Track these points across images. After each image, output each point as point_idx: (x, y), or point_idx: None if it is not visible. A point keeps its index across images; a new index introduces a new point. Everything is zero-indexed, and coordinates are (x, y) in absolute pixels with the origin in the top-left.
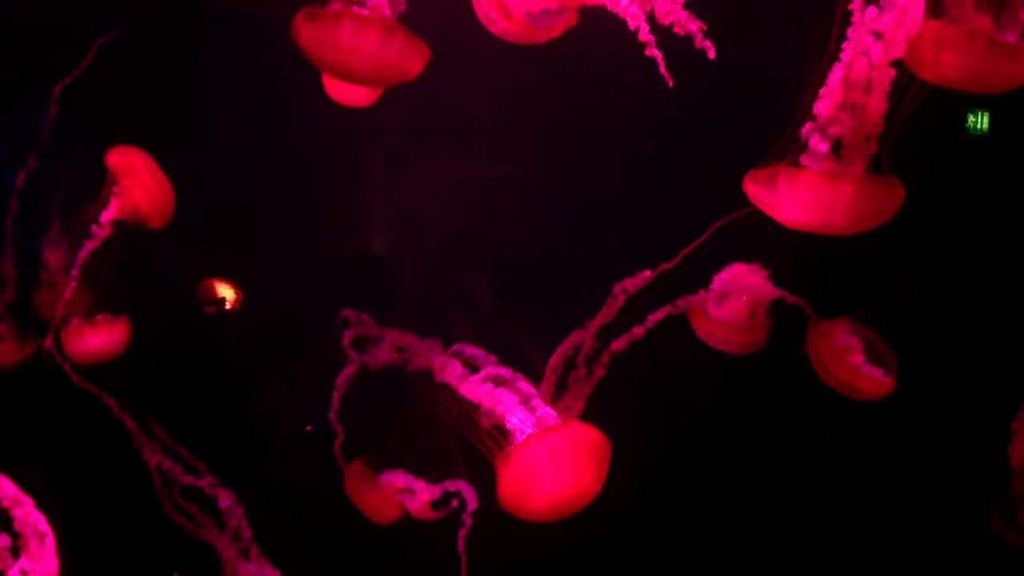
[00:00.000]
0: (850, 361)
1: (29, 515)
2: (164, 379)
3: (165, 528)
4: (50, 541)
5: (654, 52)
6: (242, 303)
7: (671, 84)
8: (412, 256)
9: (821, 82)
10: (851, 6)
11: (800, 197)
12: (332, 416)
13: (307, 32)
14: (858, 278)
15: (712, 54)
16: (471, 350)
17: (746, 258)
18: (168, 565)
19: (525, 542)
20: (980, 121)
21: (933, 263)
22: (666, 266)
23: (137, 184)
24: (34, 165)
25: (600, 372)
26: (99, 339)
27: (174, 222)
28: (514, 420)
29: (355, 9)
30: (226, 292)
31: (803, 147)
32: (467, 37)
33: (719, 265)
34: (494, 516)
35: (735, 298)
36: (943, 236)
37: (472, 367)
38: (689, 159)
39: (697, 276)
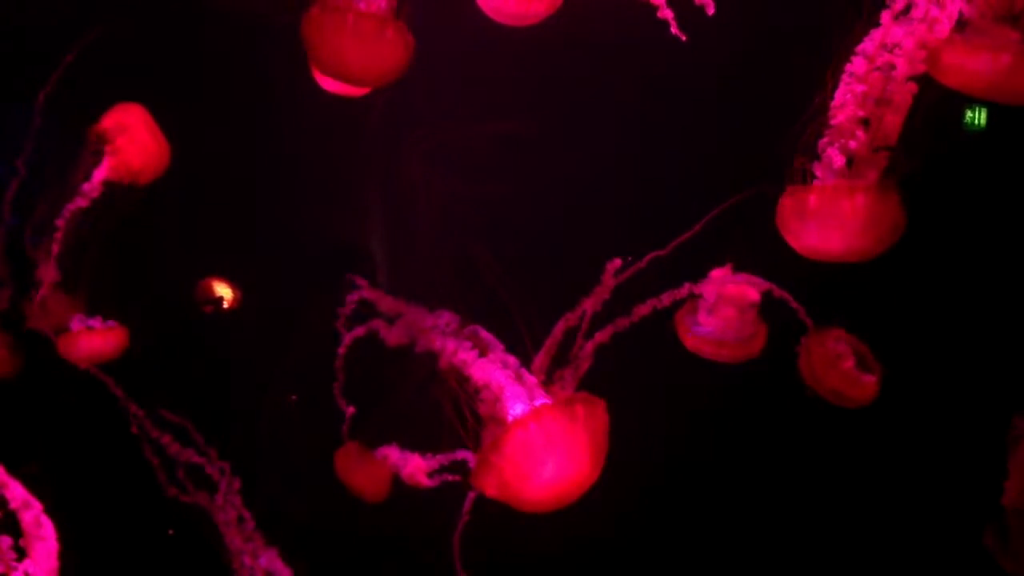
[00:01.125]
0: (842, 367)
1: (37, 518)
2: (161, 379)
3: (170, 523)
4: (51, 545)
5: (666, 13)
6: (240, 302)
7: (684, 39)
8: (412, 231)
9: (836, 94)
10: (880, 18)
11: (821, 217)
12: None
13: (313, 25)
14: (851, 278)
15: (711, 10)
16: (482, 333)
17: (738, 251)
18: (172, 563)
19: (517, 531)
20: (978, 117)
21: (929, 261)
22: (658, 254)
23: (131, 140)
24: (24, 171)
25: (585, 364)
26: (96, 341)
27: (171, 222)
28: (516, 409)
29: (357, 5)
30: (224, 291)
31: (815, 157)
32: (463, 21)
33: (712, 256)
34: (488, 504)
35: (722, 309)
36: (939, 233)
37: (479, 351)
38: (691, 144)
39: (691, 266)
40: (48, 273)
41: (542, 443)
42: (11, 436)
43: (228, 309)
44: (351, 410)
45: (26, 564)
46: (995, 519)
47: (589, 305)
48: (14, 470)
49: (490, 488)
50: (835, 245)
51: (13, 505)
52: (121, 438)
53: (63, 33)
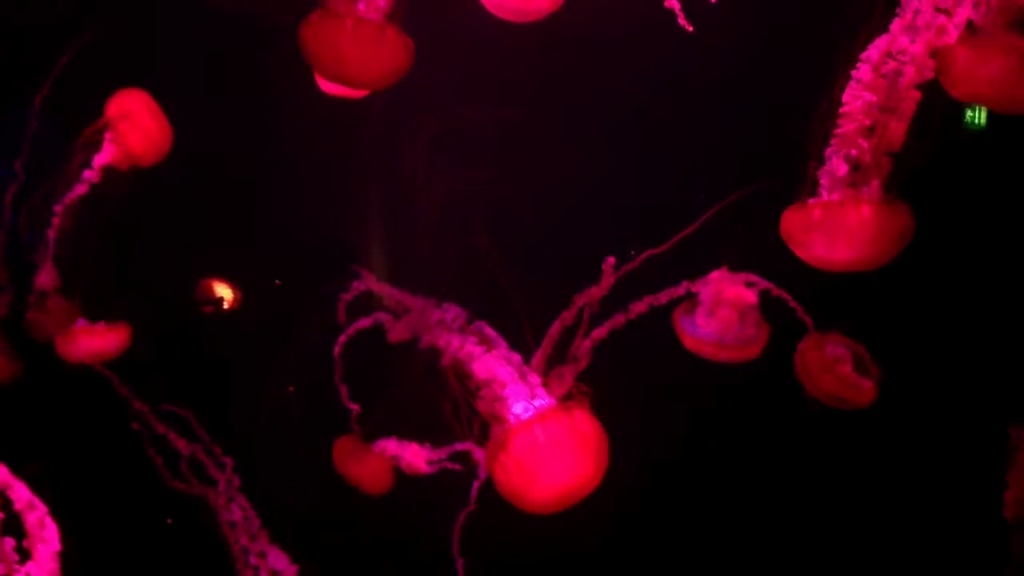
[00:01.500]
0: (838, 372)
1: (41, 519)
2: (161, 376)
3: (174, 523)
4: (53, 547)
5: (672, 3)
6: (240, 302)
7: (691, 30)
8: (412, 226)
9: (841, 102)
10: (886, 26)
11: (828, 232)
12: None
13: (312, 31)
14: (851, 278)
15: None
16: (486, 330)
17: (737, 249)
18: (176, 562)
19: (516, 529)
20: (978, 116)
21: (927, 261)
22: (654, 252)
23: (134, 126)
24: (22, 174)
25: (585, 361)
26: (96, 341)
27: (172, 222)
28: (518, 408)
29: (356, 10)
30: (224, 292)
31: (820, 164)
32: (464, 17)
33: (713, 254)
34: (488, 501)
35: (720, 312)
36: (938, 233)
37: (483, 348)
38: (693, 141)
39: (692, 263)
40: (48, 279)
41: (547, 447)
42: (11, 436)
43: (228, 309)
44: (352, 403)
45: (29, 566)
46: (996, 530)
47: (588, 302)
48: (15, 470)
49: (497, 487)
50: (842, 256)
51: (17, 506)
52: (122, 437)
53: (62, 33)
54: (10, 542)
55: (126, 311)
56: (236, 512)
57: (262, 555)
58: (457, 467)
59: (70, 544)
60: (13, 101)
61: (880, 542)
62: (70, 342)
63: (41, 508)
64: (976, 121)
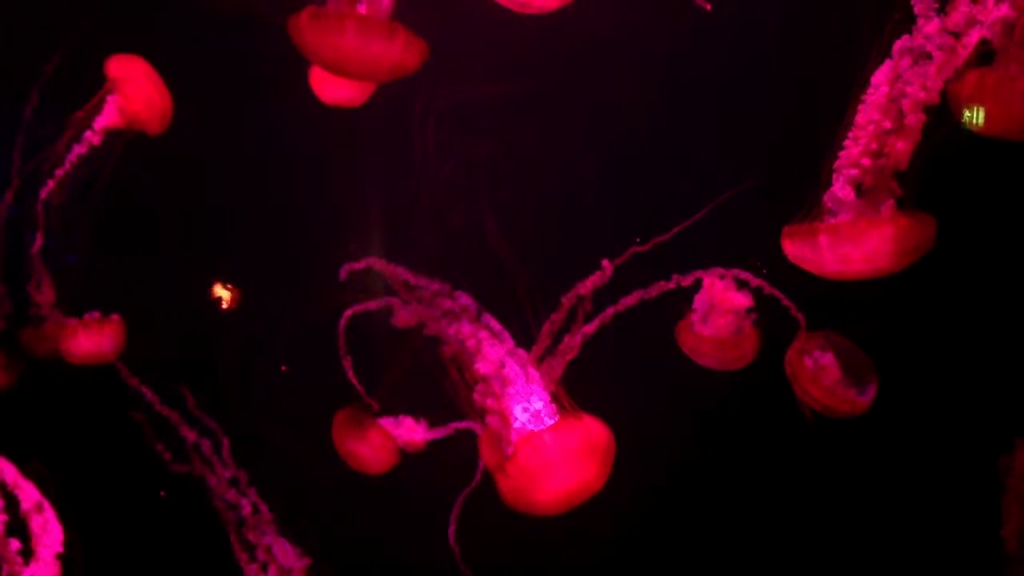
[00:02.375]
0: (824, 382)
1: (46, 521)
2: (164, 370)
3: (184, 519)
4: (55, 548)
5: None
6: (239, 302)
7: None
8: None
9: (850, 123)
10: (896, 48)
11: (842, 250)
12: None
13: (309, 34)
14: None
15: None
16: (492, 323)
17: (732, 248)
18: (186, 561)
19: (514, 529)
20: (976, 116)
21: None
22: (639, 249)
23: (135, 91)
24: (18, 179)
25: (579, 357)
26: (94, 337)
27: (172, 224)
28: (519, 409)
29: (358, 9)
30: (223, 292)
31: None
32: (469, 9)
33: (710, 251)
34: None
35: (718, 315)
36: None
37: (488, 342)
38: (694, 137)
39: (691, 260)
40: (44, 292)
41: (555, 455)
42: (15, 436)
43: (227, 310)
44: (354, 384)
45: (33, 567)
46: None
47: (585, 299)
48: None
49: (501, 493)
50: (858, 268)
51: (24, 507)
52: (122, 435)
53: (58, 35)
54: (15, 544)
55: (124, 308)
56: (246, 507)
57: (269, 550)
58: (456, 443)
59: (74, 545)
60: (10, 104)
61: (878, 545)
62: (68, 340)
63: (48, 509)
64: (974, 121)
